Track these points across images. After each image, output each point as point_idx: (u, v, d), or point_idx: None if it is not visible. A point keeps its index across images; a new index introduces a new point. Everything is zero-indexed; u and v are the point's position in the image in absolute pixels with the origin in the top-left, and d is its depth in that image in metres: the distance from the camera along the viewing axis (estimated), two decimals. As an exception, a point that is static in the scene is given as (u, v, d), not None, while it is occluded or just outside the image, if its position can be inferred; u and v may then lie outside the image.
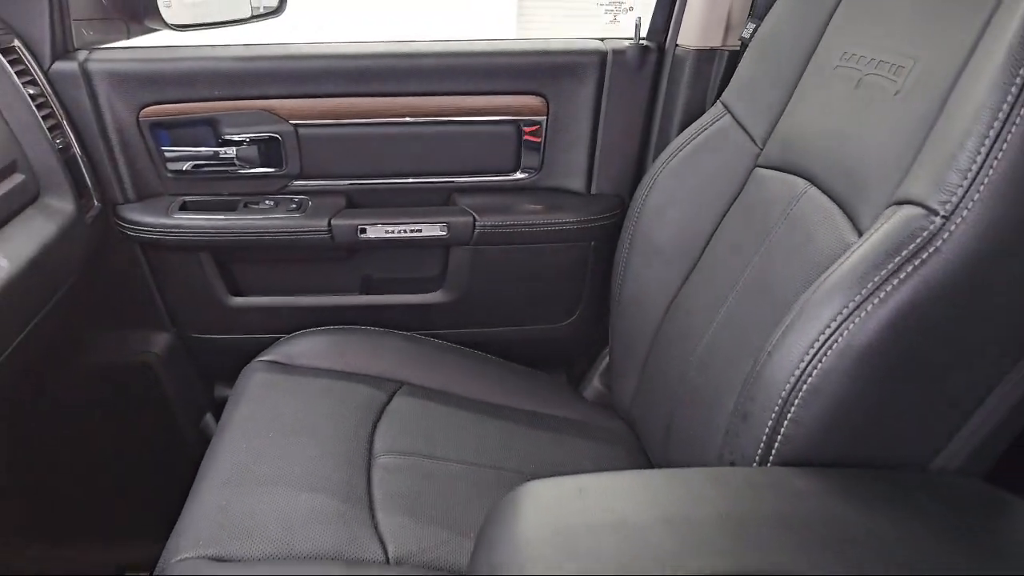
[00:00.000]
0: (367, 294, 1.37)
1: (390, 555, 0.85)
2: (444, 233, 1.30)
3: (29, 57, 1.16)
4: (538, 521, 0.59)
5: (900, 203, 0.70)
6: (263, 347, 1.22)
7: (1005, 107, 0.63)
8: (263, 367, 1.17)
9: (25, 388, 1.23)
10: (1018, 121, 0.62)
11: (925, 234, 0.65)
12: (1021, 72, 0.62)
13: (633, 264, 1.19)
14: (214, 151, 1.28)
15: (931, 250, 0.65)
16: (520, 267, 1.34)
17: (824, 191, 0.90)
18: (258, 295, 1.35)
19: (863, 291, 0.66)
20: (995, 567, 0.58)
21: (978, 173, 0.64)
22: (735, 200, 1.08)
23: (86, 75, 1.21)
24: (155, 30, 1.41)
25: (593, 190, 1.36)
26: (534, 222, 1.32)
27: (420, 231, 1.30)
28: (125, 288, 1.33)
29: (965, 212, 0.64)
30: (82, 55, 1.22)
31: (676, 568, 0.53)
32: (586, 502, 0.61)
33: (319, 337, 1.23)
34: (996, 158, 0.63)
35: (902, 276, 0.65)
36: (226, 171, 1.29)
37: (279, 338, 1.24)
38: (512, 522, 0.60)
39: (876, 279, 0.66)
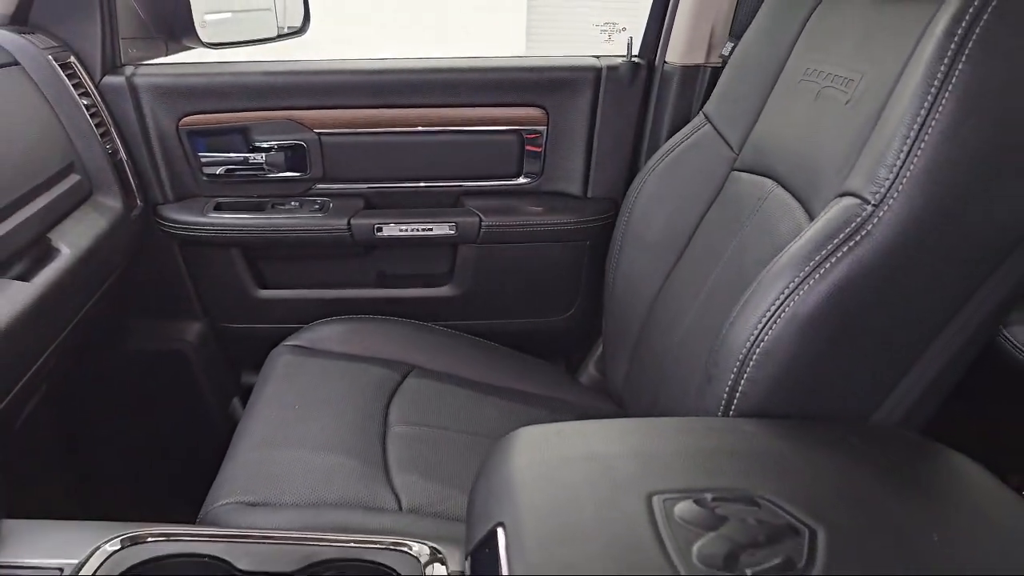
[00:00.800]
0: (382, 287, 1.49)
1: (403, 506, 0.97)
2: (453, 232, 1.43)
3: (83, 72, 1.30)
4: (524, 455, 0.71)
5: (842, 195, 0.82)
6: (287, 336, 1.34)
7: (923, 112, 0.75)
8: (288, 351, 1.29)
9: (74, 369, 1.36)
10: (934, 124, 0.74)
11: (859, 220, 0.77)
12: (935, 83, 0.75)
13: (624, 259, 1.31)
14: (245, 157, 1.41)
15: (863, 233, 0.77)
16: (522, 264, 1.47)
17: (788, 189, 1.02)
18: (283, 288, 1.48)
19: (807, 268, 0.78)
20: (914, 497, 0.69)
21: (901, 167, 0.76)
22: (714, 200, 1.21)
23: (132, 88, 1.34)
24: (191, 48, 1.55)
25: (589, 194, 1.48)
26: (535, 223, 1.44)
27: (431, 230, 1.42)
28: (163, 281, 1.46)
29: (891, 201, 0.76)
30: (129, 70, 1.36)
31: (636, 486, 0.65)
32: (564, 441, 0.73)
33: (338, 325, 1.35)
34: (916, 155, 0.75)
35: (839, 255, 0.77)
36: (256, 175, 1.42)
37: (302, 327, 1.36)
38: (504, 457, 0.72)
39: (817, 258, 0.78)
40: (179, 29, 1.51)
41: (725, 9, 1.36)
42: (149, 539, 0.74)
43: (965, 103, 0.74)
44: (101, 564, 0.71)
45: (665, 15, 1.41)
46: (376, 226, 1.42)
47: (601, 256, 1.45)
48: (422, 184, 1.46)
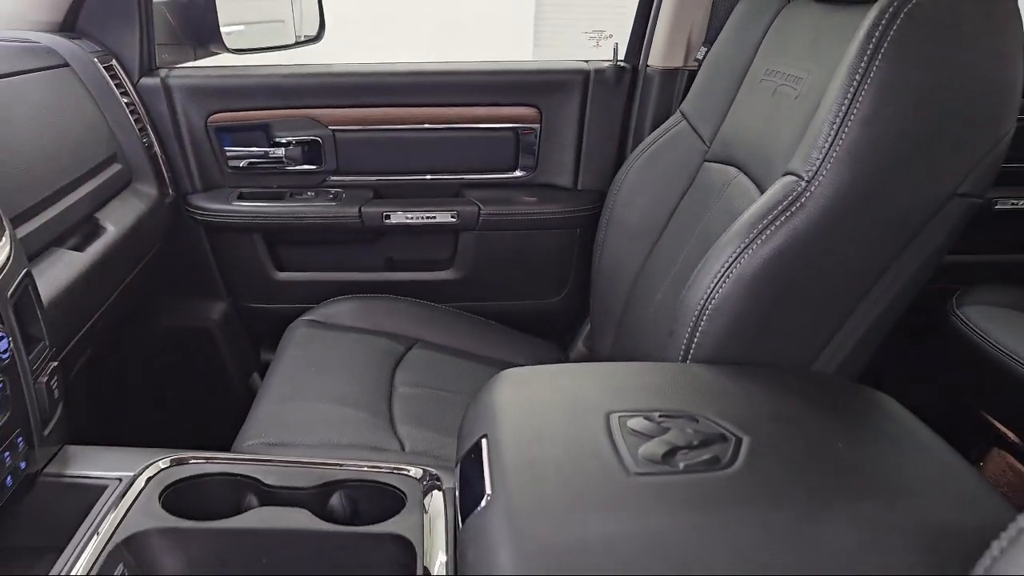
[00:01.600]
0: (389, 271, 1.63)
1: (406, 449, 1.11)
2: (454, 220, 1.57)
3: (123, 74, 1.45)
4: (506, 388, 0.85)
5: (784, 174, 0.96)
6: (302, 314, 1.48)
7: (846, 102, 0.88)
8: (304, 324, 1.43)
9: (109, 341, 1.50)
10: (855, 112, 0.88)
11: (795, 194, 0.91)
12: (856, 78, 0.88)
13: (608, 244, 1.44)
14: (266, 151, 1.56)
15: (798, 205, 0.90)
16: (517, 249, 1.61)
17: (748, 175, 1.16)
18: (300, 270, 1.62)
19: (750, 236, 0.92)
20: (831, 419, 0.82)
21: (828, 149, 0.89)
22: (688, 188, 1.34)
23: (166, 88, 1.49)
24: (216, 53, 1.70)
25: (579, 186, 1.62)
26: (529, 212, 1.58)
27: (434, 218, 1.56)
28: (191, 263, 1.60)
29: (821, 177, 0.89)
30: (163, 72, 1.51)
31: (597, 407, 0.79)
32: (540, 378, 0.87)
33: (350, 303, 1.49)
34: (840, 139, 0.89)
35: (778, 224, 0.91)
36: (275, 167, 1.56)
37: (317, 305, 1.50)
38: (489, 390, 0.85)
39: (760, 226, 0.91)
40: (206, 36, 1.66)
41: (700, 17, 1.50)
42: (192, 461, 0.88)
43: (882, 94, 0.87)
44: (152, 477, 0.84)
45: (647, 23, 1.55)
46: (384, 214, 1.56)
47: (590, 242, 1.58)
48: (426, 176, 1.60)
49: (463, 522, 0.70)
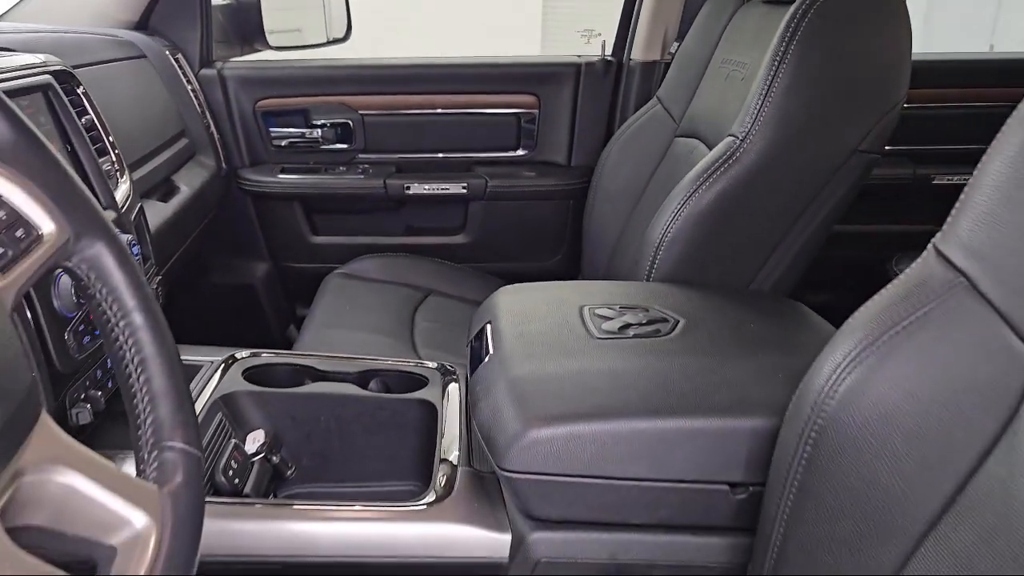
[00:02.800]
0: (409, 236, 1.90)
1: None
2: (465, 191, 1.83)
3: (186, 65, 1.72)
4: (506, 296, 1.11)
5: (727, 136, 1.22)
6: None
7: (769, 78, 1.14)
8: (337, 277, 1.69)
9: (167, 294, 1.76)
10: (776, 86, 1.13)
11: (731, 150, 1.16)
12: (776, 59, 1.14)
13: (595, 209, 1.70)
14: (304, 132, 1.82)
15: (735, 158, 1.16)
16: (518, 217, 1.87)
17: (707, 145, 1.42)
18: (332, 235, 1.89)
19: (697, 183, 1.17)
20: (754, 311, 1.07)
21: (756, 114, 1.15)
22: (662, 160, 1.60)
23: (221, 79, 1.76)
24: (260, 50, 1.97)
25: (572, 163, 1.88)
26: (529, 185, 1.84)
27: (448, 189, 1.83)
28: (238, 228, 1.87)
29: (752, 136, 1.15)
30: (219, 65, 1.78)
31: (574, 303, 1.04)
32: (533, 289, 1.13)
33: (375, 260, 1.76)
34: (765, 106, 1.14)
35: (717, 174, 1.16)
36: (313, 146, 1.83)
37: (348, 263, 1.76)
38: (492, 298, 1.11)
39: (704, 175, 1.17)
40: (252, 36, 1.93)
41: (674, 18, 1.77)
42: (264, 354, 1.14)
43: (797, 71, 1.13)
44: (236, 361, 1.11)
45: (630, 23, 1.81)
46: (405, 186, 1.82)
47: (582, 211, 1.84)
48: (440, 155, 1.87)
49: (472, 375, 0.96)
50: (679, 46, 1.70)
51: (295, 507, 0.89)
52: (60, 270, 0.52)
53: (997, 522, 0.58)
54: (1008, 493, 0.58)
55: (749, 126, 1.16)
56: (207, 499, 0.73)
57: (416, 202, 1.87)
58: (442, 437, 0.98)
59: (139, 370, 0.52)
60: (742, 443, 0.80)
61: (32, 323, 0.75)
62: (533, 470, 0.79)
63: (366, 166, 1.85)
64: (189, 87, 1.68)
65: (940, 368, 0.63)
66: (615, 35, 1.86)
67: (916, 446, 0.63)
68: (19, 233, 0.48)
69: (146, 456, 0.50)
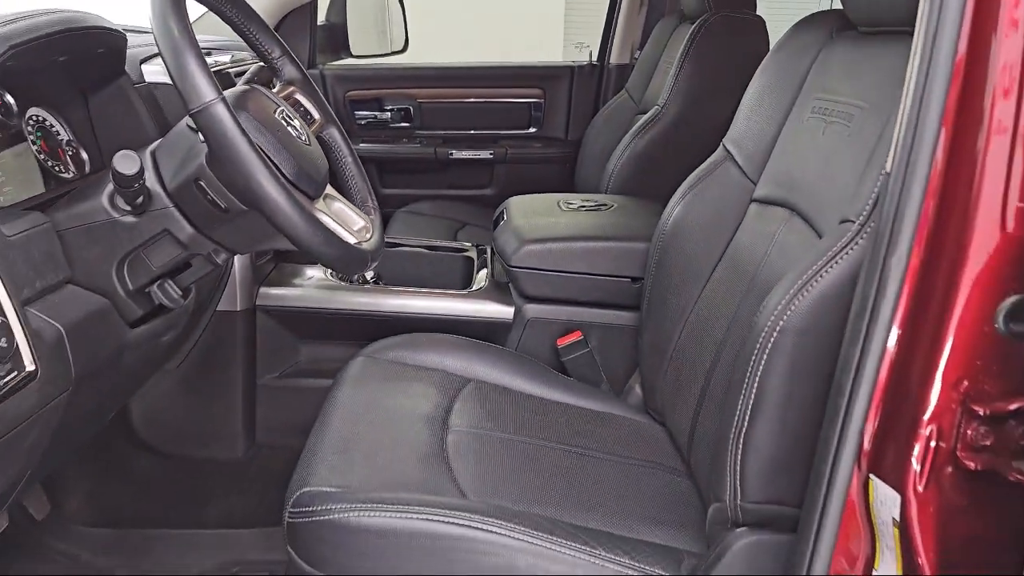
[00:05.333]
0: (450, 188, 2.64)
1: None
2: (491, 156, 2.58)
3: (299, 67, 2.49)
4: (513, 199, 1.84)
5: (654, 106, 1.95)
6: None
7: (672, 75, 1.88)
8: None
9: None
10: (678, 80, 1.87)
11: (655, 116, 1.90)
12: (677, 67, 1.87)
13: (583, 166, 2.43)
14: (377, 115, 2.58)
15: (656, 120, 1.89)
16: (530, 177, 2.60)
17: (641, 112, 2.15)
18: (397, 188, 2.64)
19: (634, 136, 1.91)
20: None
21: (670, 95, 1.88)
22: (624, 134, 2.33)
23: (322, 77, 2.53)
24: (342, 57, 2.75)
25: (569, 137, 2.63)
26: (537, 153, 2.60)
27: (480, 155, 2.58)
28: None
29: (668, 105, 1.88)
30: (320, 66, 2.55)
31: (555, 200, 1.78)
32: (532, 196, 1.87)
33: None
34: (675, 92, 1.88)
35: (646, 130, 1.90)
36: (384, 124, 2.59)
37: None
38: (506, 201, 1.84)
39: (639, 131, 1.90)
40: (339, 46, 2.71)
41: (638, 33, 2.52)
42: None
43: (691, 74, 1.87)
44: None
45: (609, 37, 2.57)
46: (449, 153, 2.57)
47: (574, 170, 2.57)
48: (473, 131, 2.62)
49: (494, 231, 1.70)
50: (640, 52, 2.45)
51: (390, 288, 1.61)
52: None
53: (728, 296, 1.25)
54: (733, 270, 1.30)
55: (666, 99, 1.89)
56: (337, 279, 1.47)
57: (456, 164, 2.62)
58: (476, 271, 1.73)
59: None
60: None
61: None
62: (526, 266, 1.53)
63: (422, 138, 2.61)
64: (302, 82, 2.44)
65: (711, 207, 1.32)
66: (599, 46, 2.62)
67: (700, 241, 1.33)
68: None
69: (361, 205, 1.24)
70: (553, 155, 2.60)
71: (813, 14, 1.27)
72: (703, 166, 1.37)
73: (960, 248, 0.70)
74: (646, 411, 1.43)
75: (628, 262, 1.53)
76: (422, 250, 1.81)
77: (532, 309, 1.57)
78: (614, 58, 2.56)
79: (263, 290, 1.55)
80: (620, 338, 1.56)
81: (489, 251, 1.82)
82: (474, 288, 1.63)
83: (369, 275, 1.70)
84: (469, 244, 1.88)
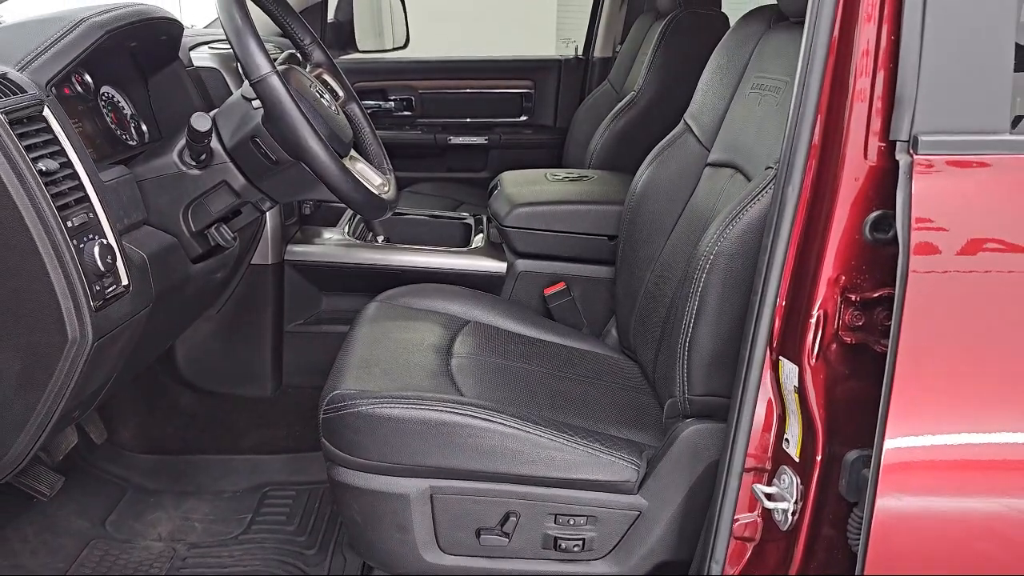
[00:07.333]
0: (448, 171, 2.87)
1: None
2: (487, 141, 2.82)
3: (311, 60, 2.73)
4: (506, 172, 2.08)
5: (630, 92, 2.20)
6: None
7: (647, 63, 2.12)
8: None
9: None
10: (653, 66, 2.12)
11: (631, 100, 2.14)
12: (651, 54, 2.12)
13: (569, 150, 2.68)
14: (381, 103, 2.82)
15: (631, 104, 2.14)
16: (522, 160, 2.84)
17: (617, 94, 2.39)
18: (400, 171, 2.87)
19: (610, 122, 2.15)
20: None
21: (643, 83, 2.13)
22: (601, 120, 2.58)
23: (332, 69, 2.77)
24: (349, 52, 2.99)
25: (556, 125, 2.87)
26: (528, 138, 2.84)
27: (475, 141, 2.82)
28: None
29: (644, 89, 2.13)
30: (330, 60, 2.78)
31: (543, 172, 2.02)
32: (524, 171, 2.11)
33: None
34: (649, 80, 2.12)
35: (623, 113, 2.14)
36: (388, 113, 2.83)
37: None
38: (500, 175, 2.08)
39: (616, 116, 2.15)
40: (346, 42, 2.95)
41: (620, 28, 2.76)
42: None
43: (663, 63, 2.11)
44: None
45: (593, 33, 2.81)
46: (448, 139, 2.82)
47: (561, 155, 2.81)
48: (469, 119, 2.86)
49: (489, 199, 1.94)
50: (621, 46, 2.70)
51: (399, 246, 1.85)
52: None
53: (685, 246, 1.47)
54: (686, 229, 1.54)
55: (643, 81, 2.14)
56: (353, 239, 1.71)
57: (454, 149, 2.86)
58: (473, 235, 1.97)
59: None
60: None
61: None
62: (517, 226, 1.78)
63: (422, 126, 2.85)
64: (314, 73, 2.68)
65: (673, 172, 1.57)
66: (584, 41, 2.87)
67: (663, 201, 1.57)
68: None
69: (379, 167, 1.47)
70: (542, 140, 2.85)
71: (756, 8, 1.52)
72: (667, 138, 1.60)
73: (836, 177, 0.95)
74: (621, 350, 1.67)
75: (605, 223, 1.78)
76: (426, 217, 2.05)
77: (522, 264, 1.81)
78: (598, 52, 2.81)
79: (290, 247, 1.79)
80: (599, 288, 1.80)
81: (484, 219, 2.06)
82: (472, 247, 1.87)
83: (380, 238, 1.94)
84: (467, 214, 2.12)
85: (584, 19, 3.00)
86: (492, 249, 1.87)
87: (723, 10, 2.24)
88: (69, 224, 1.03)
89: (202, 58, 1.63)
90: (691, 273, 1.20)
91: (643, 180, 1.59)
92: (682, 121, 1.60)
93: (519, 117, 2.88)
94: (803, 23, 0.94)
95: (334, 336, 1.66)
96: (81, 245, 1.04)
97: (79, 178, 1.07)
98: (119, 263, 1.10)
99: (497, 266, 1.82)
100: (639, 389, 1.51)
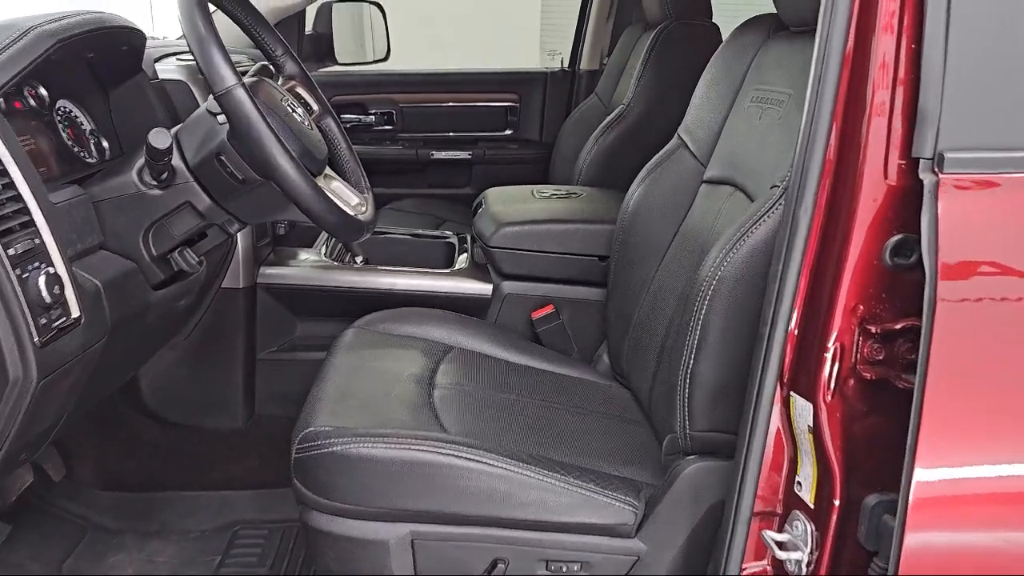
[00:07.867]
0: (429, 188, 2.78)
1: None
2: (470, 156, 2.74)
3: (288, 73, 2.64)
4: (490, 190, 2.00)
5: (620, 105, 2.12)
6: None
7: (638, 72, 2.05)
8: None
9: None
10: (644, 76, 2.04)
11: (621, 114, 2.07)
12: (642, 65, 2.05)
13: (556, 166, 2.60)
14: (361, 118, 2.73)
15: (621, 118, 2.06)
16: (506, 175, 2.75)
17: (606, 108, 2.32)
18: (380, 187, 2.78)
19: (598, 138, 2.08)
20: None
21: (634, 93, 2.05)
22: (591, 133, 2.50)
23: (309, 82, 2.68)
24: (330, 65, 2.90)
25: (543, 139, 2.79)
26: (513, 153, 2.76)
27: (459, 155, 2.74)
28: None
29: (635, 103, 2.05)
30: (308, 73, 2.69)
31: (528, 189, 1.94)
32: (510, 188, 2.03)
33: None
34: (639, 90, 2.05)
35: (611, 128, 2.06)
36: (368, 127, 2.74)
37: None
38: (485, 192, 2.00)
39: (607, 127, 2.07)
40: (325, 55, 2.86)
41: (607, 41, 2.69)
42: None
43: (653, 75, 2.04)
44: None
45: (580, 45, 2.74)
46: (430, 154, 2.73)
47: (547, 170, 2.73)
48: (452, 133, 2.78)
49: (474, 218, 1.85)
50: (608, 59, 2.63)
51: (379, 268, 1.75)
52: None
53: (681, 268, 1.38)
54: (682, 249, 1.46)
55: (632, 95, 2.06)
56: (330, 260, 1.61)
57: (437, 165, 2.78)
58: (457, 255, 1.88)
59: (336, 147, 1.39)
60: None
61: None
62: (503, 246, 1.69)
63: (403, 141, 2.76)
64: (291, 87, 2.59)
65: (667, 189, 1.49)
66: (570, 53, 2.80)
67: (657, 220, 1.49)
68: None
69: (355, 185, 1.38)
70: (528, 155, 2.77)
71: (754, 17, 1.44)
72: (660, 154, 1.52)
73: (853, 198, 0.87)
74: (613, 377, 1.59)
75: (596, 242, 1.70)
76: (408, 236, 1.96)
77: (508, 286, 1.72)
78: (584, 64, 2.74)
79: (263, 270, 1.69)
80: (589, 311, 1.72)
81: (469, 238, 1.97)
82: (456, 268, 1.78)
83: (358, 259, 1.84)
84: (450, 233, 2.03)
85: (569, 32, 2.94)
86: (476, 270, 1.78)
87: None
88: (11, 252, 0.93)
89: (168, 70, 1.53)
90: (691, 299, 1.12)
91: (636, 197, 1.51)
92: (676, 135, 1.53)
93: (504, 131, 2.80)
94: (806, 33, 0.88)
95: (309, 364, 1.56)
96: (25, 275, 0.94)
97: (23, 200, 0.98)
98: (68, 292, 1.00)
99: (482, 288, 1.73)
100: (634, 421, 1.42)
